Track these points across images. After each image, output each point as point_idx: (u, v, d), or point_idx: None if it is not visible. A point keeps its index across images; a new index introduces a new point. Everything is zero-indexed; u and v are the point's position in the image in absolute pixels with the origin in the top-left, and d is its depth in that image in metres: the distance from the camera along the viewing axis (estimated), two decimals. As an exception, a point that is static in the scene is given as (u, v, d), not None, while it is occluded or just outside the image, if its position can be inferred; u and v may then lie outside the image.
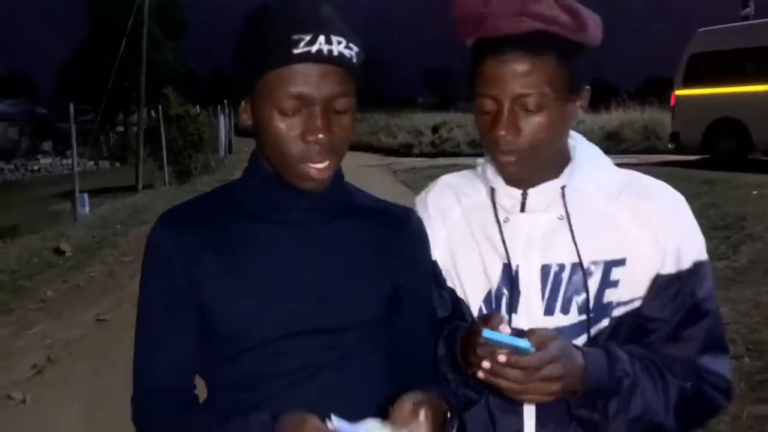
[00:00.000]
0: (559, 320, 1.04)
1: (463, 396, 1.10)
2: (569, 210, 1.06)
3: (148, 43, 18.98)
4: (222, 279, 0.99)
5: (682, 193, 1.12)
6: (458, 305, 1.14)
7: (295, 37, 0.91)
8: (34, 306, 5.95)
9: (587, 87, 1.05)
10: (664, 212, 1.05)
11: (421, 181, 10.28)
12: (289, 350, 0.98)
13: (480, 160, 1.18)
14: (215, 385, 1.05)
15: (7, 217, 12.82)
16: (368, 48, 0.99)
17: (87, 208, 11.40)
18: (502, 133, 0.99)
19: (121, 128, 28.21)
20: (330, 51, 0.91)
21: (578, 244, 1.04)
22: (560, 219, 1.06)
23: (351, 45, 0.94)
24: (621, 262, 1.04)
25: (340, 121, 0.96)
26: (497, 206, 1.11)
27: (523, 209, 1.08)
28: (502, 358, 0.89)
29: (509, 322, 1.03)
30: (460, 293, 1.13)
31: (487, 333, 0.90)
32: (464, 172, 1.22)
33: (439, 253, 1.16)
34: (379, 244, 1.07)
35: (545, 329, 0.98)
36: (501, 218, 1.09)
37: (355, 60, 0.94)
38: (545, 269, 1.06)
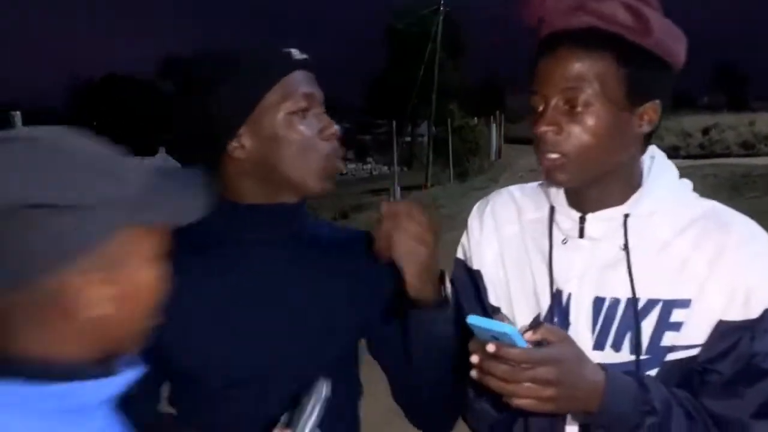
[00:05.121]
0: (608, 357, 0.96)
1: (481, 410, 1.05)
2: (631, 241, 0.97)
3: (436, 67, 22.95)
4: (182, 314, 0.93)
5: None
6: None
7: (285, 51, 1.01)
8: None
9: (656, 101, 0.94)
10: (738, 250, 0.93)
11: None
12: (248, 395, 0.96)
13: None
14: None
15: (344, 203, 17.43)
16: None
17: (399, 197, 15.47)
18: (544, 128, 0.92)
19: (408, 138, 33.16)
20: (310, 60, 1.03)
21: (637, 278, 0.95)
22: (621, 249, 0.97)
23: None
24: (684, 303, 0.94)
25: None
26: (554, 227, 1.03)
27: (581, 235, 1.00)
28: (491, 347, 0.81)
29: None
30: (505, 313, 1.06)
31: (471, 318, 0.83)
32: (533, 186, 1.12)
33: (487, 266, 1.09)
34: (343, 276, 1.05)
35: (558, 330, 0.90)
36: (559, 239, 1.02)
37: None
38: (598, 302, 0.98)
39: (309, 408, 0.81)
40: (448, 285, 1.00)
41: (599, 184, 0.98)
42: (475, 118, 21.45)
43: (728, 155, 18.54)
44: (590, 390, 0.87)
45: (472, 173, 19.96)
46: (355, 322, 1.07)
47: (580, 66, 0.91)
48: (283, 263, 1.03)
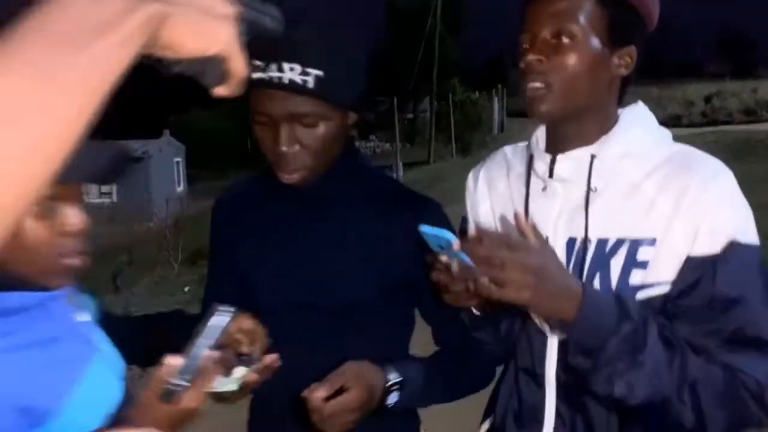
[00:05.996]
0: None
1: (479, 341, 1.14)
2: (599, 182, 1.01)
3: (436, 42, 22.89)
4: (249, 254, 1.20)
5: None
6: None
7: (254, 64, 1.00)
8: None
9: (632, 47, 1.01)
10: (701, 188, 0.95)
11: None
12: (289, 322, 1.12)
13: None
14: None
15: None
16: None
17: (401, 173, 15.79)
18: (531, 57, 0.98)
19: (410, 115, 33.19)
20: (280, 78, 1.00)
21: (605, 219, 1.00)
22: (592, 191, 1.01)
23: (308, 70, 1.00)
24: (650, 242, 0.97)
25: (311, 134, 1.05)
26: (532, 175, 1.10)
27: (551, 175, 1.05)
28: (444, 259, 0.93)
29: None
30: None
31: (422, 227, 0.92)
32: (524, 144, 1.19)
33: (479, 223, 1.19)
34: (386, 234, 1.16)
35: (540, 235, 0.97)
36: (539, 187, 1.08)
37: (311, 85, 1.00)
38: (571, 243, 1.03)
39: (201, 331, 0.85)
40: (391, 398, 1.09)
41: (575, 122, 1.03)
42: (477, 93, 21.44)
43: (731, 122, 18.53)
44: (569, 293, 0.90)
45: (475, 147, 20.04)
46: (392, 269, 1.16)
47: (566, 3, 0.98)
48: (331, 216, 1.17)
